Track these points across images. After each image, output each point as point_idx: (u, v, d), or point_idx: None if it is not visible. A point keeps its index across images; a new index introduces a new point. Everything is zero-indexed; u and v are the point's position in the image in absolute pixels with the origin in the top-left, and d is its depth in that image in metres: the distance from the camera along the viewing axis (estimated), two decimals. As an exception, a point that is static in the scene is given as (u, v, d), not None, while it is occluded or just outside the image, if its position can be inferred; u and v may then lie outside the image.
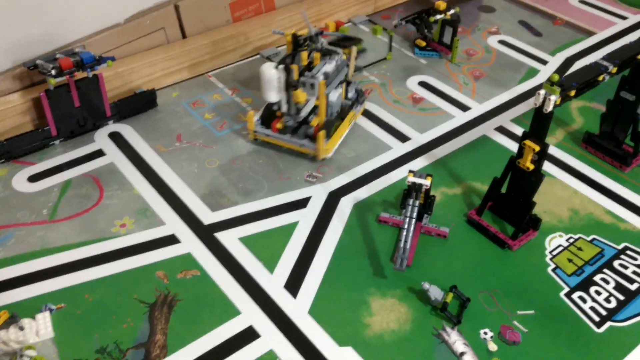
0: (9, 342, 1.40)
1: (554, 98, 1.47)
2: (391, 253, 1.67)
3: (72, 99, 1.99)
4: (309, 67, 1.91)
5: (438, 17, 2.44)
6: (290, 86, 1.87)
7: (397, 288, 1.58)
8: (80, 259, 1.64)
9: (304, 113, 2.00)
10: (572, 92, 1.54)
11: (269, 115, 2.02)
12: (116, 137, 2.07)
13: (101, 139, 2.06)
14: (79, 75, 1.97)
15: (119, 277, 1.60)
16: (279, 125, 1.99)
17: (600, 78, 1.63)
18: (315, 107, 2.02)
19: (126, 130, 2.10)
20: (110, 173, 1.92)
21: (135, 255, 1.65)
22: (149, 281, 1.58)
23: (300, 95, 1.87)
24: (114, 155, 1.99)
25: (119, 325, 1.48)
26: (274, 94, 1.92)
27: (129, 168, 1.94)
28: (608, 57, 1.68)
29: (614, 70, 1.65)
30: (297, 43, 1.94)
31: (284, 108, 1.96)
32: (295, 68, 1.84)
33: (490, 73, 2.41)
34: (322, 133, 1.89)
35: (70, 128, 2.04)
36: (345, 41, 2.18)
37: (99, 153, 2.00)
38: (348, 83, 2.09)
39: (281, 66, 1.85)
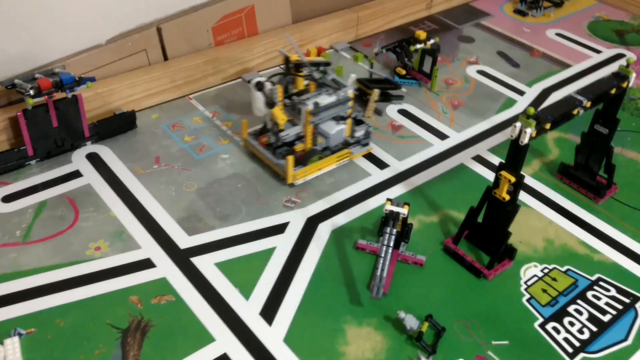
0: (-24, 368, 1.37)
1: (529, 131, 1.50)
2: (368, 280, 1.67)
3: (50, 119, 1.98)
4: (300, 93, 1.94)
5: (418, 46, 2.47)
6: (268, 104, 1.90)
7: (373, 316, 1.58)
8: (53, 282, 1.61)
9: (285, 135, 2.00)
10: (548, 125, 1.57)
11: (265, 130, 2.08)
12: (94, 158, 2.05)
13: (78, 159, 2.04)
14: (58, 95, 1.95)
15: (92, 302, 1.57)
16: (264, 140, 2.04)
17: (575, 112, 1.66)
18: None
19: (104, 151, 2.09)
20: (86, 195, 1.90)
21: (109, 279, 1.63)
22: (122, 306, 1.56)
23: (278, 115, 1.89)
24: (91, 177, 1.97)
25: (91, 351, 1.45)
26: (257, 109, 1.98)
27: (106, 190, 1.92)
28: (582, 92, 1.72)
29: (588, 104, 1.69)
30: (288, 66, 1.96)
31: (268, 125, 2.00)
32: (279, 88, 1.88)
33: (468, 102, 2.45)
34: (290, 158, 1.89)
35: (47, 148, 2.02)
36: (380, 83, 2.27)
37: (76, 174, 1.98)
38: (359, 122, 2.11)
39: (267, 83, 1.88)
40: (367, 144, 2.12)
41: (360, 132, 2.08)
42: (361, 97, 2.14)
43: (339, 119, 2.00)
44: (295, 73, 1.95)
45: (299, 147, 1.99)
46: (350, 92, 1.96)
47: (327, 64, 1.99)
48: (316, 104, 1.89)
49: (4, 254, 1.69)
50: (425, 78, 2.51)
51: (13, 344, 1.42)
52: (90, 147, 2.10)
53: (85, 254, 1.70)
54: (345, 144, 2.06)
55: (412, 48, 2.48)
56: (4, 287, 1.59)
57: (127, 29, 2.27)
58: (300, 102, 1.89)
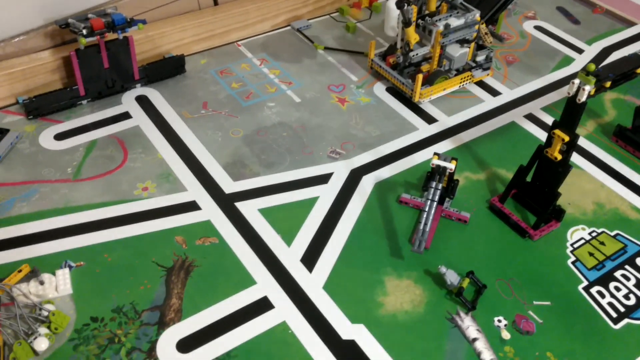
0: (29, 295, 1.43)
1: (588, 88, 1.44)
2: (410, 234, 1.66)
3: (102, 60, 2.00)
4: (434, 14, 2.00)
5: None
6: (404, 23, 1.96)
7: (414, 270, 1.57)
8: (102, 219, 1.66)
9: (414, 54, 2.05)
10: (608, 84, 1.51)
11: (390, 51, 2.16)
12: (143, 101, 2.08)
13: (128, 101, 2.07)
14: (110, 36, 1.97)
15: (139, 240, 1.61)
16: (391, 60, 2.13)
17: (639, 71, 1.58)
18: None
19: (153, 94, 2.11)
20: (135, 136, 1.93)
21: (155, 219, 1.67)
22: (167, 245, 1.60)
23: (412, 34, 1.97)
24: (140, 119, 2.00)
25: (136, 286, 1.50)
26: (391, 29, 2.22)
27: (154, 132, 1.95)
28: (648, 50, 1.63)
29: (653, 63, 1.61)
30: None
31: (398, 45, 2.07)
32: (414, 8, 1.93)
33: (523, 59, 2.36)
34: (419, 76, 1.98)
35: (98, 89, 2.05)
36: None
37: (125, 115, 2.01)
38: (482, 47, 2.17)
39: (403, 3, 1.93)
40: (488, 68, 2.18)
41: (481, 57, 2.14)
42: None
43: (464, 42, 2.05)
44: None
45: (425, 67, 2.08)
46: (478, 16, 2.01)
47: None
48: (447, 26, 1.95)
49: (56, 190, 1.74)
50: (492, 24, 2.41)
51: (64, 275, 1.48)
52: (139, 90, 2.12)
53: (133, 193, 1.74)
54: (467, 68, 2.13)
55: None
56: (56, 221, 1.65)
57: (178, -29, 2.26)
58: (432, 23, 1.96)
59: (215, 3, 2.38)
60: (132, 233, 1.63)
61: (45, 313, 1.39)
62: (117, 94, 2.10)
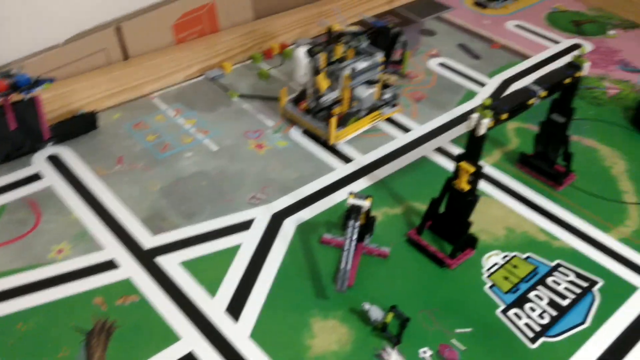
0: None
1: (485, 122, 1.53)
2: (333, 274, 1.69)
3: (8, 122, 1.94)
4: (341, 60, 2.08)
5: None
6: (314, 71, 2.04)
7: (339, 309, 1.59)
8: (14, 287, 1.59)
9: (326, 99, 2.14)
10: (504, 116, 1.60)
11: (302, 97, 2.22)
12: (55, 160, 2.02)
13: (39, 162, 2.01)
14: (15, 97, 1.92)
15: (55, 305, 1.56)
16: (304, 106, 2.20)
17: (531, 102, 1.70)
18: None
19: (65, 153, 2.06)
20: (47, 197, 1.88)
21: (72, 282, 1.62)
22: (86, 308, 1.55)
23: (322, 81, 2.05)
24: (52, 179, 1.94)
25: (54, 354, 1.44)
26: (301, 76, 2.32)
27: (68, 192, 1.90)
28: (538, 82, 1.75)
29: (544, 94, 1.72)
30: (330, 36, 2.10)
31: (309, 91, 2.14)
32: (323, 56, 2.02)
33: (430, 95, 2.48)
34: (333, 119, 2.05)
35: (5, 151, 1.98)
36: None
37: (36, 177, 1.95)
38: (387, 86, 2.26)
39: (313, 51, 2.02)
40: (395, 105, 2.29)
41: (387, 95, 2.25)
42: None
43: (370, 83, 2.15)
44: (340, 42, 2.09)
45: (336, 110, 2.13)
46: (380, 58, 2.11)
47: (363, 32, 2.16)
48: (353, 70, 2.04)
49: (-37, 260, 1.66)
50: (397, 65, 2.50)
51: (-27, 351, 1.40)
52: (50, 149, 2.07)
53: (47, 257, 1.68)
54: (376, 107, 2.22)
55: None
56: (-37, 294, 1.57)
57: (86, 27, 2.24)
58: (340, 69, 2.05)
59: (126, 57, 2.38)
60: (48, 299, 1.57)
61: (-46, 394, 1.31)
62: (27, 155, 2.03)
